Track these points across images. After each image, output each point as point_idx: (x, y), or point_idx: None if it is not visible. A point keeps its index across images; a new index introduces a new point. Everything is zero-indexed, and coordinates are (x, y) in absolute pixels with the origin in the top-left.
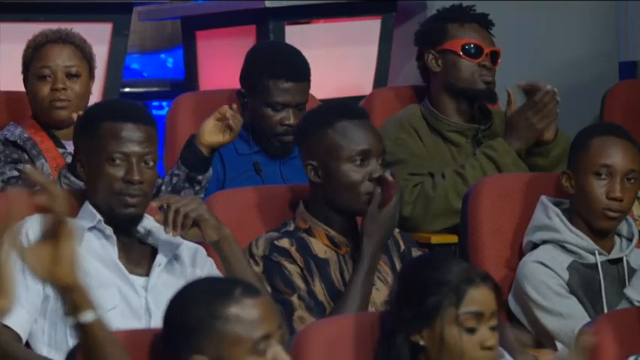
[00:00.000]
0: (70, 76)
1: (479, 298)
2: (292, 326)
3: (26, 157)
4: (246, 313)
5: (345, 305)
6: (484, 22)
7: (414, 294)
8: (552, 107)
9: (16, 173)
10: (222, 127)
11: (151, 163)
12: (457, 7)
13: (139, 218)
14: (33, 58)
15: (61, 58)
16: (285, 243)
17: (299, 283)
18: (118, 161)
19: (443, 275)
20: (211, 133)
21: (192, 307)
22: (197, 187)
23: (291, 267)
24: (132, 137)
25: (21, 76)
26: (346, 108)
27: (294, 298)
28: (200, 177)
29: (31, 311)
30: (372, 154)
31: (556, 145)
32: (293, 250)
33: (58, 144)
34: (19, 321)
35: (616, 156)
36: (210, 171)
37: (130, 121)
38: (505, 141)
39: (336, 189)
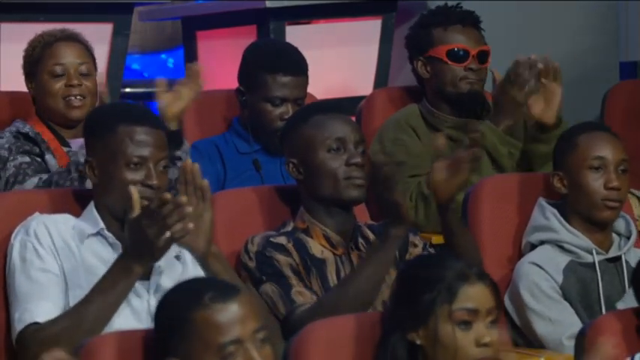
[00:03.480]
0: (81, 74)
1: (473, 294)
2: (292, 299)
3: (37, 149)
4: (213, 318)
5: (351, 282)
6: (470, 21)
7: (410, 293)
8: (527, 76)
9: (27, 159)
10: (176, 95)
11: (164, 168)
12: (441, 9)
13: None
14: (42, 56)
15: (73, 56)
16: (281, 240)
17: (289, 274)
18: (135, 165)
19: (437, 273)
20: (170, 106)
21: (166, 310)
22: (179, 163)
23: (283, 260)
24: (149, 141)
25: (22, 76)
26: (319, 105)
27: (289, 279)
28: (178, 153)
29: (61, 305)
30: (347, 141)
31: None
32: (290, 246)
33: (63, 143)
34: (48, 315)
35: (606, 148)
36: (186, 143)
37: (146, 125)
38: (493, 121)
39: (316, 180)
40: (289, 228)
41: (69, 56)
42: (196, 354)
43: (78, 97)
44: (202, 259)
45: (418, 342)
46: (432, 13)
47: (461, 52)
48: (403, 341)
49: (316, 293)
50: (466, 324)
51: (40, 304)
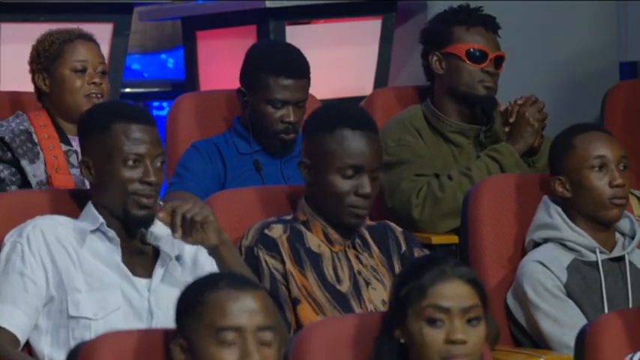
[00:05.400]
0: (100, 73)
1: (447, 292)
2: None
3: (9, 155)
4: (222, 301)
5: None
6: (491, 26)
7: (395, 291)
8: (546, 111)
9: None
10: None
11: (160, 164)
12: (464, 9)
13: (152, 219)
14: (63, 52)
15: (93, 55)
16: (276, 232)
17: (267, 284)
18: (132, 162)
19: (417, 272)
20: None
21: (185, 293)
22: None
23: (270, 262)
24: (144, 138)
25: (22, 76)
26: (350, 116)
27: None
28: None
29: (30, 313)
30: (363, 170)
31: (541, 157)
32: (283, 238)
33: (64, 140)
34: (16, 323)
35: (605, 146)
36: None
37: (140, 122)
38: (509, 143)
39: (321, 194)
40: (289, 217)
41: (90, 54)
42: (197, 335)
43: (98, 96)
44: (215, 250)
45: (402, 340)
46: (455, 11)
47: (479, 54)
48: (391, 339)
49: (310, 290)
50: (436, 321)
51: (8, 308)
